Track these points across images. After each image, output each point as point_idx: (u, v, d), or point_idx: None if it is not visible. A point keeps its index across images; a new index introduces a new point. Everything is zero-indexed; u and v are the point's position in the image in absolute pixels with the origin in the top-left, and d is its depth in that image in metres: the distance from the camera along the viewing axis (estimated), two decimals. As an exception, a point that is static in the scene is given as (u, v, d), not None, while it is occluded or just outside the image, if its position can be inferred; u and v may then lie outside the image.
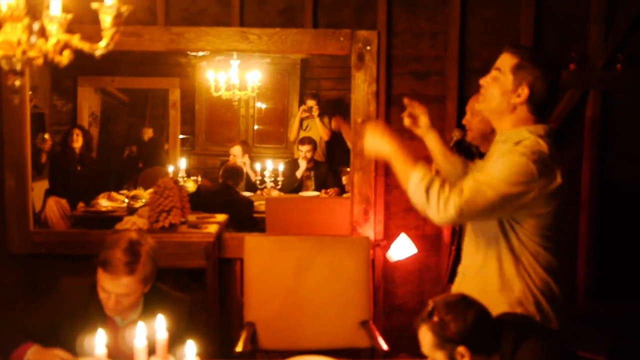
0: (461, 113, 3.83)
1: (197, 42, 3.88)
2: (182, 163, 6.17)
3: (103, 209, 5.42)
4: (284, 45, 3.91)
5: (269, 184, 6.04)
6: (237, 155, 6.52)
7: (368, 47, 3.91)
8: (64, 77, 7.09)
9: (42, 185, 5.88)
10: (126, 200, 5.62)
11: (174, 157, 7.42)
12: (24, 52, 1.64)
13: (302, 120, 6.86)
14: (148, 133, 7.51)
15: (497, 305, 2.17)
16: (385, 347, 3.01)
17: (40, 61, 1.75)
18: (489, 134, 2.99)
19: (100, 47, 1.77)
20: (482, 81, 2.34)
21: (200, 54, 5.98)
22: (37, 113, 6.47)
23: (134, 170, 7.17)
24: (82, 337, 2.33)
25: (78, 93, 7.17)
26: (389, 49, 3.97)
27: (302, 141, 6.43)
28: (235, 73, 6.27)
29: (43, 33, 1.73)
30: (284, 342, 3.31)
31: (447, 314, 1.95)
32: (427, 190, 2.08)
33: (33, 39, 1.61)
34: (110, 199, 5.71)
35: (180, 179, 5.94)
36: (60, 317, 2.39)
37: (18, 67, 1.70)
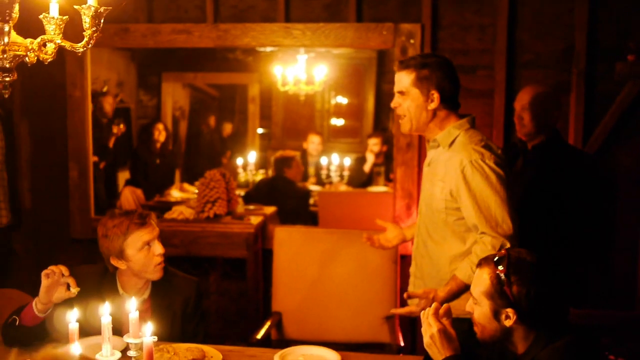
0: (509, 107, 3.71)
1: (243, 38, 4.00)
2: (251, 156, 6.31)
3: (173, 200, 5.69)
4: (327, 39, 3.94)
5: (335, 178, 6.09)
6: (314, 142, 6.58)
7: (412, 41, 3.86)
8: (150, 74, 7.46)
9: (124, 175, 6.26)
10: (196, 191, 5.85)
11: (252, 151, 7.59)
12: (4, 52, 1.80)
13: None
14: (227, 129, 7.71)
15: None
16: (402, 342, 2.98)
17: (31, 58, 1.92)
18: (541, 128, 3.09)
19: (79, 47, 1.91)
20: (393, 105, 2.52)
21: (269, 49, 6.09)
22: (123, 107, 6.89)
23: (217, 164, 7.40)
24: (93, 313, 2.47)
25: (162, 88, 7.52)
26: (434, 42, 3.90)
27: (371, 135, 6.42)
28: (302, 68, 6.34)
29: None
30: (309, 333, 3.36)
31: (515, 273, 1.82)
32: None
33: (6, 39, 1.76)
34: (182, 190, 5.99)
35: (249, 172, 6.11)
36: (76, 303, 2.53)
37: (6, 64, 1.88)
